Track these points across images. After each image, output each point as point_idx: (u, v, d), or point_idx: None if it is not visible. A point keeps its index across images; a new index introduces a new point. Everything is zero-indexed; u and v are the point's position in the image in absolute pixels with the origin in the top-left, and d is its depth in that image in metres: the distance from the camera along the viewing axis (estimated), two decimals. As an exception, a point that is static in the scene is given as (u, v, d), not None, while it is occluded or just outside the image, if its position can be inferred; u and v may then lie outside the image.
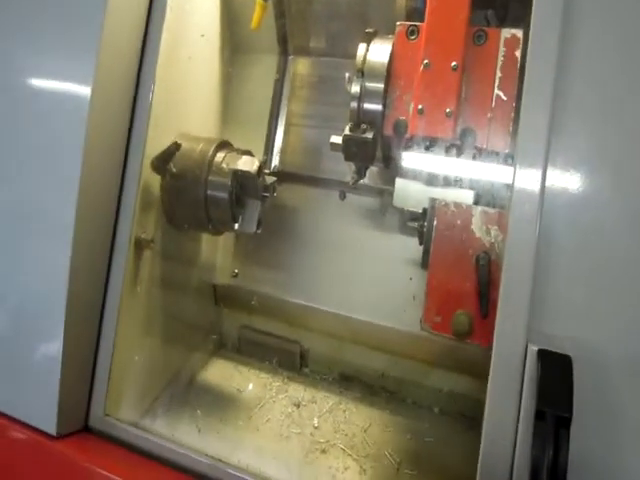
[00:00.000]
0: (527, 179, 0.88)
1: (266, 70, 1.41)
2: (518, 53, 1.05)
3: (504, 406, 0.86)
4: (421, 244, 1.19)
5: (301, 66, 1.41)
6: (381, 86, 1.09)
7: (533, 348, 0.85)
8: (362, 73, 1.09)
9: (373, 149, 1.14)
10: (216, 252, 1.51)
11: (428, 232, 1.13)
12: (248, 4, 1.27)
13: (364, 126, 1.10)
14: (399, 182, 1.26)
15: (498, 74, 1.06)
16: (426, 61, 1.06)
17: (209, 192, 1.24)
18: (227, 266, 1.55)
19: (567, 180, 0.87)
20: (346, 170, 1.44)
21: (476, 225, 1.11)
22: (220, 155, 1.26)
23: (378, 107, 1.11)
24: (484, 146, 1.07)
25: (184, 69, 1.26)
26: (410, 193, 1.26)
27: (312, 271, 1.51)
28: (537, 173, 0.87)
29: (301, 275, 1.52)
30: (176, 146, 1.16)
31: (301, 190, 1.46)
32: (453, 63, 1.05)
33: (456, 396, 1.43)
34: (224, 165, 1.24)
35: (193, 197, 1.25)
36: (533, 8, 0.88)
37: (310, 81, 1.40)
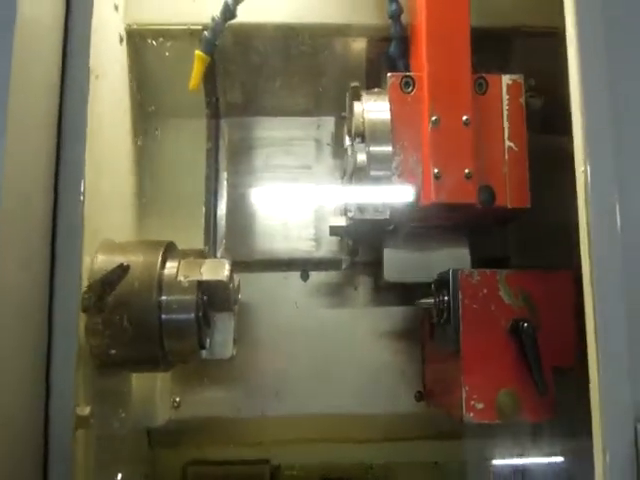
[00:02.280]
0: (604, 228, 0.74)
1: (191, 138, 1.07)
2: (522, 100, 0.95)
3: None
4: (440, 322, 1.03)
5: (238, 130, 1.10)
6: (389, 149, 0.89)
7: (643, 428, 0.74)
8: (363, 137, 0.87)
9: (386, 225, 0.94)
10: (154, 385, 1.09)
11: (454, 309, 0.98)
12: (164, 61, 0.95)
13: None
14: (388, 253, 1.08)
15: (506, 124, 0.95)
16: (434, 117, 0.89)
17: (165, 317, 0.88)
18: (165, 397, 1.14)
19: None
20: (307, 247, 1.19)
21: (504, 291, 1.00)
22: (171, 265, 0.90)
23: (388, 174, 0.90)
24: (505, 204, 0.95)
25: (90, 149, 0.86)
26: (402, 263, 1.09)
27: (275, 373, 1.21)
28: (614, 217, 0.75)
29: (262, 382, 1.20)
30: (122, 269, 0.77)
31: (254, 279, 1.14)
32: (464, 117, 0.90)
33: (450, 465, 1.30)
34: (181, 278, 0.89)
35: (142, 329, 0.86)
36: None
37: (250, 146, 1.10)
